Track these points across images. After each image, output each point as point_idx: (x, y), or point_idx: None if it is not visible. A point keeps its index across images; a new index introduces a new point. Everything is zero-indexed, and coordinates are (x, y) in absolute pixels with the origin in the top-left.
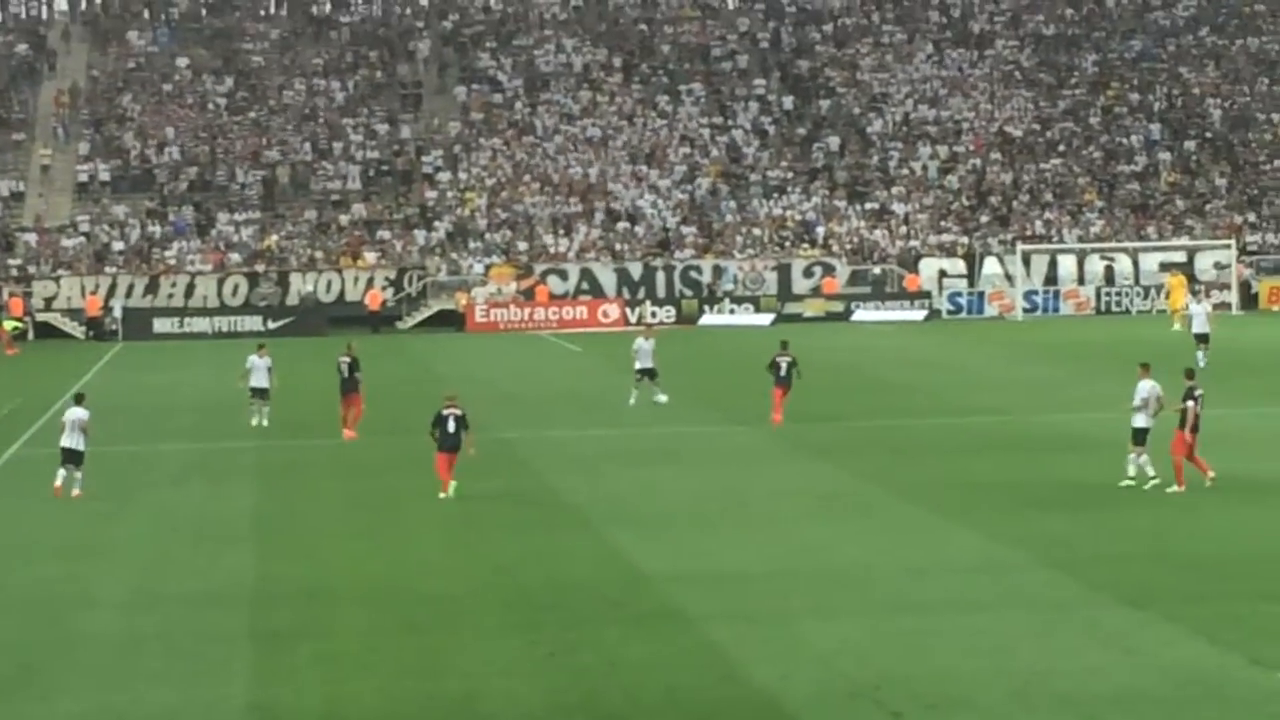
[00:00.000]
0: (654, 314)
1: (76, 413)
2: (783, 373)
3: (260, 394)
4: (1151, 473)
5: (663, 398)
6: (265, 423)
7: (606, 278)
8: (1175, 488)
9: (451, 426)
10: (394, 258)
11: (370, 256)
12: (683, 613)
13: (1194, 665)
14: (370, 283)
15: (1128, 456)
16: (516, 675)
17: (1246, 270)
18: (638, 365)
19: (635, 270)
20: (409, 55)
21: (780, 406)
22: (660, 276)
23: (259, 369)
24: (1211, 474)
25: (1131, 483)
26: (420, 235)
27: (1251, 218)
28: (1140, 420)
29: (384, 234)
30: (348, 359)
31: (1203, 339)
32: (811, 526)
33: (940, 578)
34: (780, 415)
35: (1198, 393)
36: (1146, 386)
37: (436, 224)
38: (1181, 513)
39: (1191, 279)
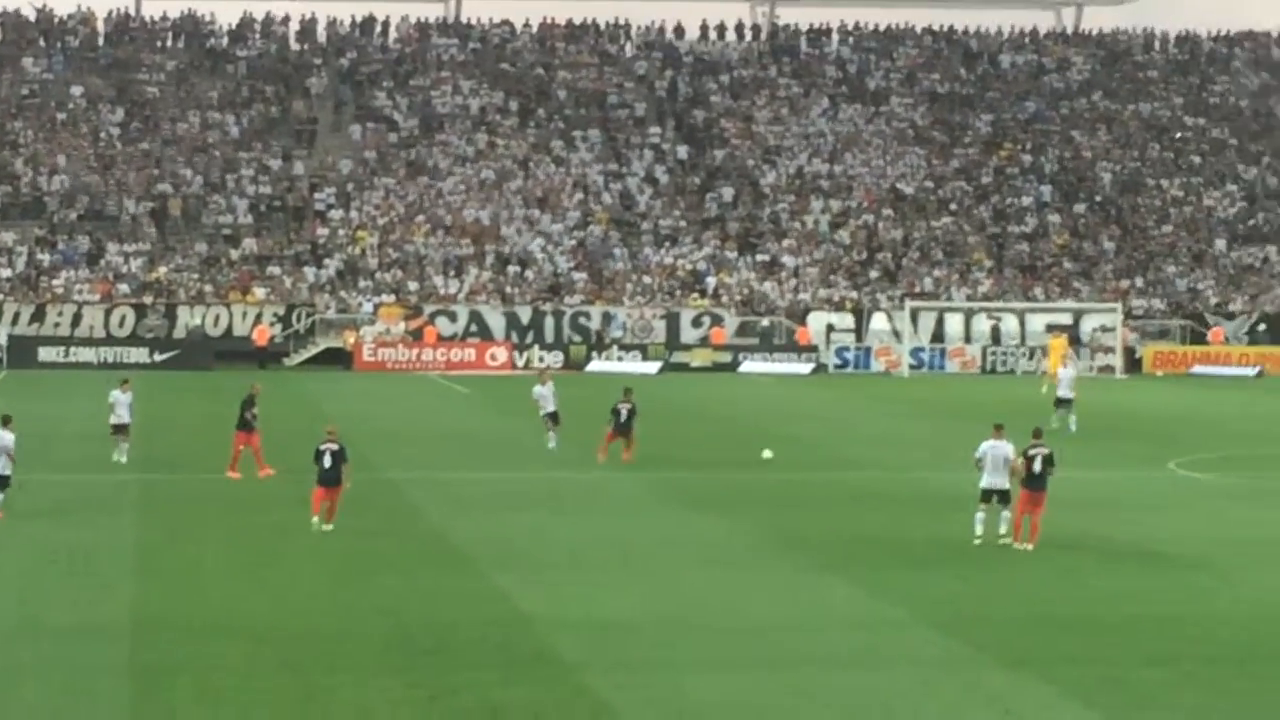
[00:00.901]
0: (542, 359)
1: (4, 437)
2: (622, 419)
3: (121, 430)
4: (977, 530)
5: (552, 444)
6: (124, 459)
7: (495, 321)
8: (1021, 544)
9: (328, 461)
10: (283, 294)
11: (259, 292)
12: (564, 659)
13: None
14: (258, 318)
15: (975, 515)
16: (396, 717)
17: (1132, 335)
18: (542, 410)
19: (524, 314)
20: (305, 92)
21: (621, 449)
22: (549, 321)
23: (121, 404)
24: (1027, 545)
25: (977, 540)
26: (310, 272)
27: (1139, 282)
28: (983, 480)
29: (274, 270)
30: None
31: (1064, 403)
32: (694, 577)
33: (822, 633)
34: (606, 454)
35: (1031, 452)
36: (985, 446)
37: (327, 261)
38: (1063, 574)
39: (1076, 341)
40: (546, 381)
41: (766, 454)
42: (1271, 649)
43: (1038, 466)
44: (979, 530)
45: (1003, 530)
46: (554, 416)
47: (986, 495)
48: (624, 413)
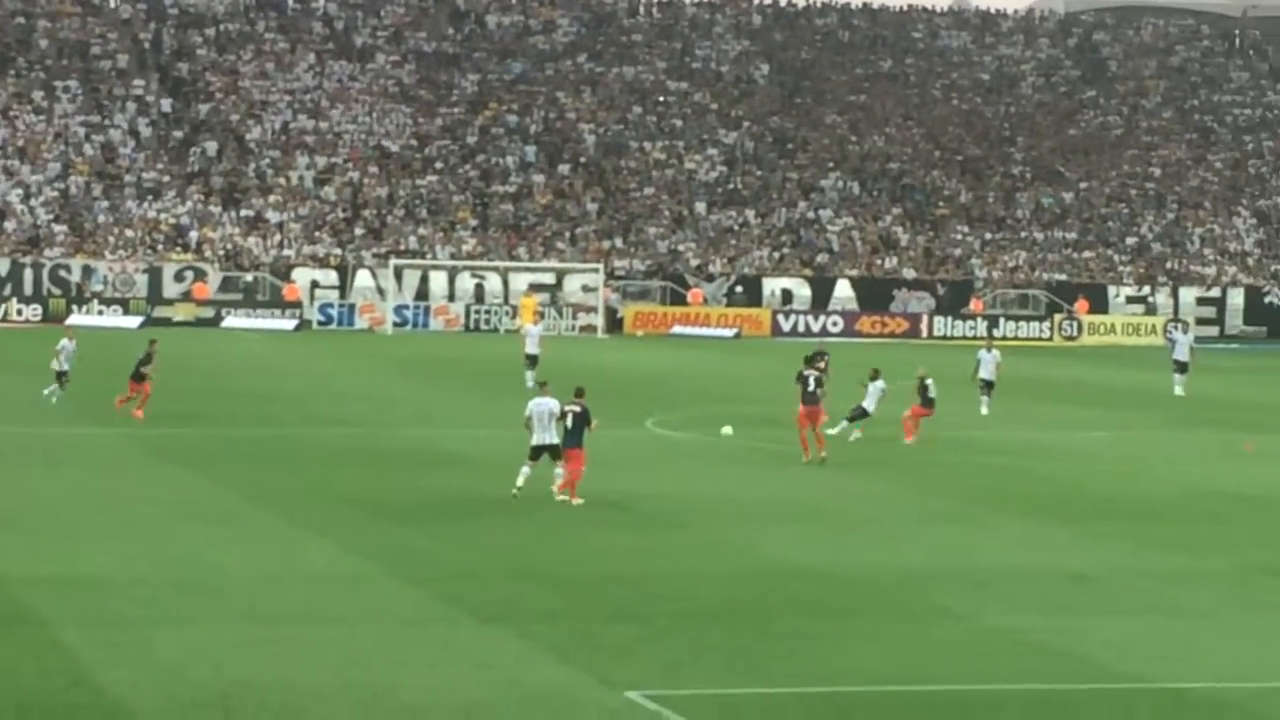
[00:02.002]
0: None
1: None
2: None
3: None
4: (519, 482)
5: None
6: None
7: None
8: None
9: None
10: None
11: None
12: (37, 616)
13: (544, 682)
14: None
15: (521, 469)
16: None
17: (613, 295)
18: (57, 366)
19: (3, 266)
20: None
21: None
22: (28, 274)
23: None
24: (575, 500)
25: (516, 491)
26: None
27: (619, 243)
28: (533, 437)
29: None
30: None
31: (534, 360)
32: (170, 533)
33: (294, 588)
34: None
35: (564, 409)
36: (531, 404)
37: None
38: (539, 530)
39: (560, 301)
40: (73, 339)
41: (726, 430)
42: (741, 604)
43: (569, 423)
44: (520, 482)
45: (555, 486)
46: (63, 376)
47: (535, 452)
48: (141, 359)
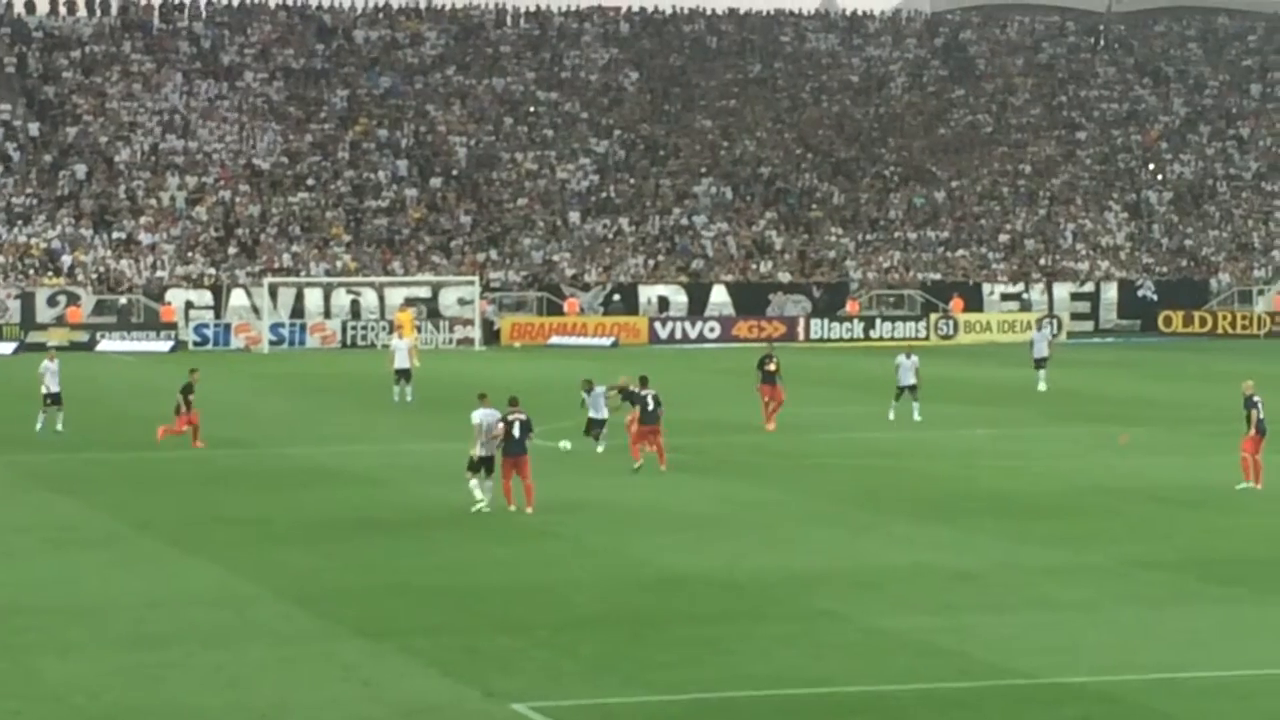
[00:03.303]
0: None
1: None
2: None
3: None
4: (480, 495)
5: (58, 427)
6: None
7: None
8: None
9: None
10: None
11: None
12: None
13: (428, 697)
14: None
15: (471, 483)
16: None
17: (489, 306)
18: (45, 390)
19: None
20: None
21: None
22: None
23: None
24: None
25: (483, 506)
26: None
27: (494, 255)
28: (478, 449)
29: None
30: None
31: (404, 374)
32: (49, 560)
33: (178, 611)
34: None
35: (510, 418)
36: (478, 415)
37: None
38: (420, 545)
39: (437, 315)
40: (54, 359)
41: (564, 444)
42: (624, 612)
43: (516, 431)
44: (479, 495)
45: (478, 495)
46: (56, 397)
47: (476, 465)
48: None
